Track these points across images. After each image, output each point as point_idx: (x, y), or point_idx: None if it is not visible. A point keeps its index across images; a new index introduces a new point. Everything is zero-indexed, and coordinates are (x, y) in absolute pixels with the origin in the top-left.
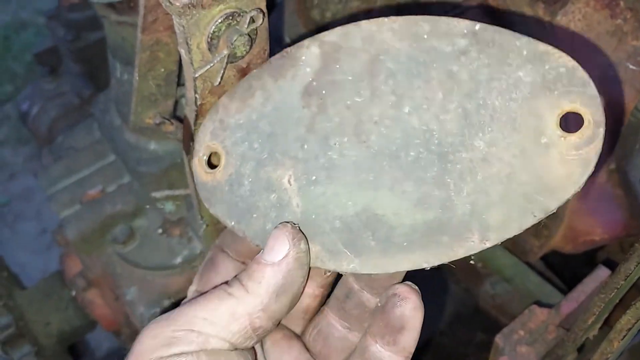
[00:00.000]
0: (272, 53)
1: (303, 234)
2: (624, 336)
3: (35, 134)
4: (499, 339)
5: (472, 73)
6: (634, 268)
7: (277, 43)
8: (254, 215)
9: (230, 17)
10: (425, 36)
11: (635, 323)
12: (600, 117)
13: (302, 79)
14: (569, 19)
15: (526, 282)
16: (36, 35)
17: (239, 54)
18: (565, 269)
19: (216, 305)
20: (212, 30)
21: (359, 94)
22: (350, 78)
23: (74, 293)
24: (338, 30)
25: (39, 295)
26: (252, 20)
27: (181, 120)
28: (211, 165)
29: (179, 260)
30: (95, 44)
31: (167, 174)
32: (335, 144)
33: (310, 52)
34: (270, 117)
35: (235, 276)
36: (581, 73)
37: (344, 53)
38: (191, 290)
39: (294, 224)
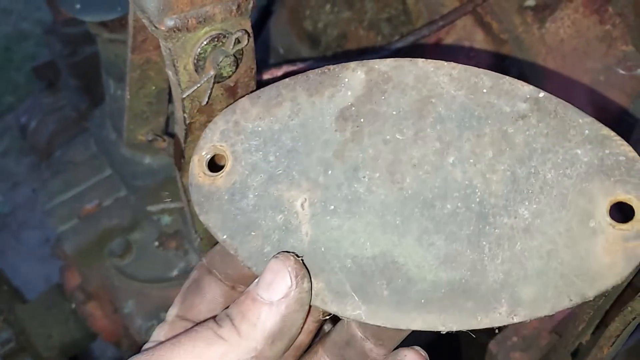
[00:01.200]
0: (264, 61)
1: (307, 269)
2: (613, 342)
3: (34, 147)
4: (492, 345)
5: (528, 139)
6: None
7: (266, 50)
8: (253, 233)
9: (216, 39)
10: (485, 90)
11: (624, 329)
12: None
13: (340, 101)
14: (558, 25)
15: None
16: (37, 46)
17: (225, 74)
18: None
19: (204, 349)
20: (198, 52)
21: (401, 131)
22: (394, 113)
23: (74, 306)
24: (391, 61)
25: (39, 308)
26: (238, 41)
27: (173, 136)
28: (212, 168)
29: (175, 272)
30: (92, 58)
31: (162, 188)
32: (364, 177)
33: (355, 75)
34: (295, 132)
35: (226, 311)
36: None
37: (393, 86)
38: (171, 315)
39: (298, 256)
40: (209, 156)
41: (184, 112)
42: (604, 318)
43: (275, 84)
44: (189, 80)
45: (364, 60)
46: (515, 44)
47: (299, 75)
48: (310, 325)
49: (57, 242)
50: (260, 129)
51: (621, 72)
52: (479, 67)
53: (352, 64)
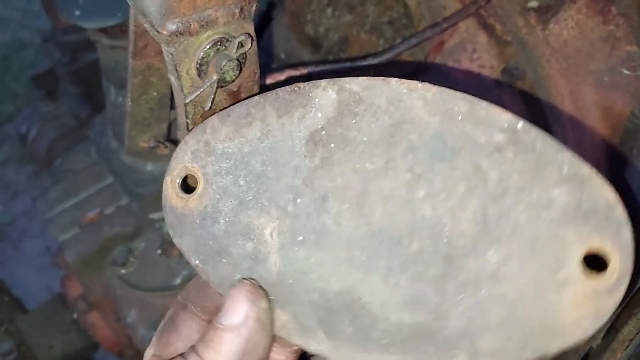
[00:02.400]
0: (266, 67)
1: (263, 289)
2: (627, 346)
3: (34, 156)
4: None
5: (503, 175)
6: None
7: (268, 56)
8: (224, 260)
9: (219, 43)
10: (460, 117)
11: (638, 333)
12: (628, 265)
13: (310, 123)
14: (562, 26)
15: None
16: (36, 55)
17: (228, 79)
18: None
19: None
20: (200, 56)
21: (371, 160)
22: (365, 139)
23: (75, 315)
24: (363, 80)
25: (41, 318)
26: (241, 45)
27: (175, 142)
28: (185, 189)
29: (178, 280)
30: (92, 65)
31: None
32: (332, 208)
33: (326, 95)
34: (264, 155)
35: (192, 346)
36: (619, 212)
37: (365, 108)
38: (147, 355)
39: (252, 279)
40: (180, 178)
41: (186, 117)
42: (614, 322)
43: (245, 101)
44: (191, 85)
45: (335, 79)
46: (518, 46)
47: (269, 93)
48: (289, 357)
49: (58, 252)
50: (230, 150)
51: (625, 72)
52: (478, 72)
53: (323, 82)
